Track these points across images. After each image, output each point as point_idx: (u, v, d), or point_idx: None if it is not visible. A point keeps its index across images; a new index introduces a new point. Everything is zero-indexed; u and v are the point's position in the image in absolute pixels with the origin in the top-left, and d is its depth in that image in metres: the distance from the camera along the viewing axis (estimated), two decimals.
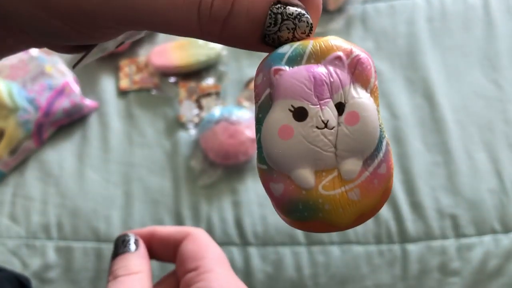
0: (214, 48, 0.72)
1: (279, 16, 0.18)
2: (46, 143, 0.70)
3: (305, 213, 0.17)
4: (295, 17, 0.19)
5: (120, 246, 0.28)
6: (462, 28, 0.73)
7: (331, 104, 0.18)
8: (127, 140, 0.69)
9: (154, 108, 0.71)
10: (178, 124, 0.69)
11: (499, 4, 0.74)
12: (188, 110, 0.70)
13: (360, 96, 0.18)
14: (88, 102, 0.70)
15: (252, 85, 0.72)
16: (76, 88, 0.70)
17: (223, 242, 0.62)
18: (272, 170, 0.17)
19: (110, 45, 0.25)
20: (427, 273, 0.59)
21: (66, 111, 0.68)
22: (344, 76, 0.18)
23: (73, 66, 0.25)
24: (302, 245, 0.61)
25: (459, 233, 0.60)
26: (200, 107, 0.70)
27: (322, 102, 0.17)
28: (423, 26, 0.73)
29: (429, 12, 0.74)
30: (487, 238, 0.60)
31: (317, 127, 0.17)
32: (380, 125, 0.18)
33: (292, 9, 0.18)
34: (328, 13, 0.75)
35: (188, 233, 0.28)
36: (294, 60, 0.18)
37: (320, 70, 0.18)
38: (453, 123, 0.66)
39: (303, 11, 0.19)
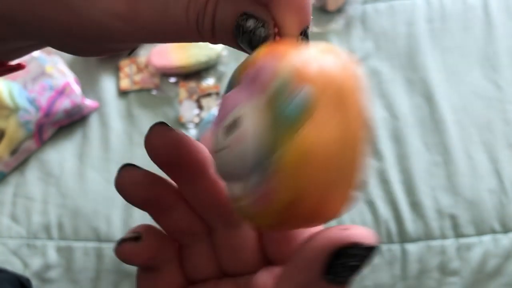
0: (214, 49, 0.72)
1: (241, 28, 0.19)
2: (47, 143, 0.70)
3: (244, 217, 0.17)
4: (251, 30, 0.19)
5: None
6: (461, 29, 0.73)
7: (223, 125, 0.17)
8: (127, 140, 0.69)
9: (155, 108, 0.71)
10: (178, 124, 0.70)
11: (498, 5, 0.74)
12: (188, 110, 0.70)
13: (241, 112, 0.16)
14: (89, 102, 0.71)
15: None
16: (76, 88, 0.70)
17: None
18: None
19: None
20: (426, 272, 0.59)
21: (67, 111, 0.68)
22: (242, 94, 0.17)
23: (129, 54, 0.28)
24: None
25: (458, 233, 0.61)
26: (200, 107, 0.71)
27: (220, 124, 0.17)
28: (422, 27, 0.73)
29: (429, 12, 0.74)
30: (487, 238, 0.60)
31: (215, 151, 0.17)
32: (267, 144, 0.15)
33: (250, 21, 0.19)
34: (328, 13, 0.75)
35: None
36: (231, 86, 0.19)
37: (230, 92, 0.18)
38: (452, 123, 0.66)
39: (259, 24, 0.19)
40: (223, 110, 0.17)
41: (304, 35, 0.20)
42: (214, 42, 0.20)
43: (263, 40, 0.19)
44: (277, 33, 0.19)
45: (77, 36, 0.20)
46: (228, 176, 0.17)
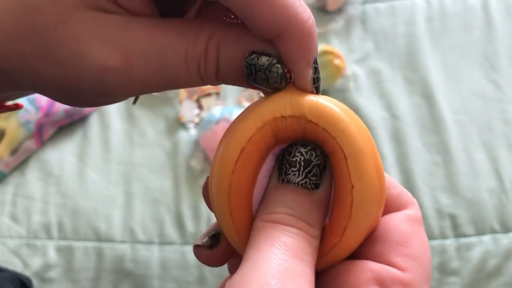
0: None
1: (253, 67, 0.19)
2: (47, 143, 0.70)
3: None
4: (266, 67, 0.19)
5: (299, 170, 0.20)
6: (461, 29, 0.73)
7: None
8: (127, 140, 0.69)
9: (155, 108, 0.71)
10: (179, 124, 0.70)
11: (498, 5, 0.74)
12: (188, 110, 0.70)
13: None
14: None
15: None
16: None
17: None
18: None
19: None
20: None
21: (67, 111, 0.68)
22: None
23: (133, 103, 0.27)
24: None
25: (458, 233, 0.61)
26: (200, 107, 0.71)
27: None
28: (422, 27, 0.73)
29: (429, 12, 0.74)
30: (487, 238, 0.60)
31: None
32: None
33: (263, 59, 0.19)
34: (328, 13, 0.75)
35: None
36: None
37: None
38: (452, 123, 0.66)
39: (274, 60, 0.19)
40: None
41: (315, 65, 0.20)
42: (217, 83, 0.20)
43: (281, 77, 0.19)
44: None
45: (70, 91, 0.20)
46: None
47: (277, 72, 0.19)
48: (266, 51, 0.19)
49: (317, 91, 0.20)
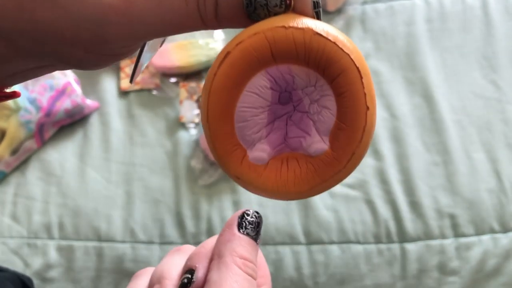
0: (214, 49, 0.72)
1: None
2: (48, 143, 0.70)
3: None
4: None
5: (240, 222, 0.27)
6: (460, 29, 0.73)
7: None
8: (128, 140, 0.70)
9: (155, 108, 0.71)
10: (179, 124, 0.70)
11: (497, 5, 0.74)
12: (188, 110, 0.70)
13: None
14: (89, 102, 0.71)
15: None
16: (77, 88, 0.70)
17: None
18: None
19: (153, 50, 0.27)
20: (426, 272, 0.59)
21: (68, 111, 0.69)
22: None
23: (130, 81, 0.27)
24: (302, 244, 0.61)
25: (458, 233, 0.61)
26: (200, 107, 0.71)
27: None
28: (422, 27, 0.73)
29: (428, 12, 0.74)
30: (486, 238, 0.60)
31: None
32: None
33: None
34: (328, 13, 0.75)
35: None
36: None
37: None
38: (452, 123, 0.66)
39: None
40: None
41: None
42: (217, 25, 0.20)
43: (281, 1, 0.19)
44: None
45: (71, 40, 0.19)
46: None
47: None
48: None
49: (317, 16, 0.20)
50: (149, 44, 0.25)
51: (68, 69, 0.23)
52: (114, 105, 0.72)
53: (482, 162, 0.64)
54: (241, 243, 0.24)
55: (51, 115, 0.68)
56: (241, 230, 0.25)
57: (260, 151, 0.21)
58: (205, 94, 0.20)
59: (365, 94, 0.19)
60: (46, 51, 0.20)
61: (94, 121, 0.71)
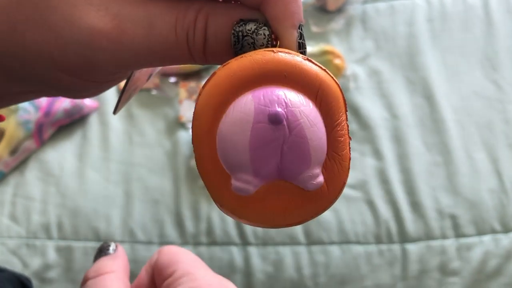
0: None
1: (240, 33, 0.20)
2: (47, 143, 0.70)
3: None
4: (253, 32, 0.20)
5: (98, 253, 0.28)
6: (461, 28, 0.73)
7: None
8: (127, 140, 0.69)
9: (155, 108, 0.71)
10: (178, 124, 0.70)
11: (498, 5, 0.74)
12: (188, 110, 0.70)
13: None
14: (88, 102, 0.71)
15: None
16: None
17: (223, 242, 0.62)
18: None
19: (140, 84, 0.27)
20: (427, 273, 0.59)
21: (67, 111, 0.68)
22: None
23: (114, 113, 0.27)
24: (302, 244, 0.61)
25: (459, 233, 0.61)
26: None
27: None
28: (423, 26, 0.73)
29: (429, 12, 0.74)
30: (487, 238, 0.60)
31: None
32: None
33: (250, 24, 0.20)
34: (328, 13, 0.75)
35: (157, 251, 0.28)
36: None
37: None
38: (453, 123, 0.66)
39: (261, 24, 0.20)
40: None
41: (300, 31, 0.20)
42: (204, 59, 0.20)
43: (268, 39, 0.20)
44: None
45: (60, 64, 0.19)
46: None
47: (263, 34, 0.20)
48: (253, 17, 0.20)
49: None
50: (135, 75, 0.25)
51: (56, 95, 0.23)
52: (113, 105, 0.72)
53: (483, 162, 0.64)
54: None
55: (50, 115, 0.68)
56: None
57: (244, 182, 0.19)
58: (193, 115, 0.20)
59: (347, 126, 0.19)
60: (34, 75, 0.20)
61: (93, 121, 0.71)
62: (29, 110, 0.67)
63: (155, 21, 0.19)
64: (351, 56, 0.72)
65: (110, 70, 0.20)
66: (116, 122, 0.71)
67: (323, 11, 0.75)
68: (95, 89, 0.22)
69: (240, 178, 0.19)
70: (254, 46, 0.20)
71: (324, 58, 0.67)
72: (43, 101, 0.68)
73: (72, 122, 0.71)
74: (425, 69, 0.70)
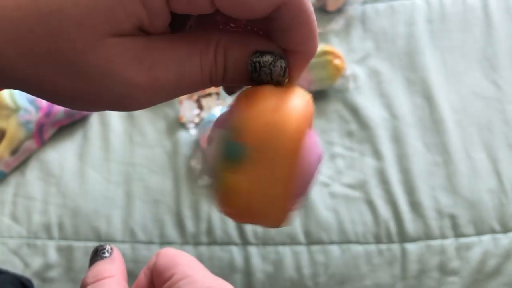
0: None
1: (257, 64, 0.21)
2: (47, 143, 0.70)
3: None
4: (270, 63, 0.21)
5: (93, 256, 0.28)
6: (461, 29, 0.73)
7: (209, 134, 0.23)
8: (127, 140, 0.69)
9: (155, 108, 0.71)
10: (179, 124, 0.70)
11: (498, 5, 0.74)
12: (188, 110, 0.70)
13: (213, 133, 0.23)
14: None
15: None
16: None
17: (224, 242, 0.62)
18: None
19: None
20: (426, 272, 0.59)
21: (67, 111, 0.68)
22: (225, 117, 0.22)
23: None
24: (302, 244, 0.61)
25: (458, 233, 0.61)
26: (200, 107, 0.71)
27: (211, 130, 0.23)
28: (422, 27, 0.73)
29: (429, 12, 0.74)
30: (486, 238, 0.60)
31: None
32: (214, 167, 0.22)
33: (267, 56, 0.21)
34: (328, 13, 0.75)
35: (156, 254, 0.29)
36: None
37: (227, 109, 0.23)
38: (452, 124, 0.66)
39: (277, 57, 0.21)
40: (218, 121, 0.22)
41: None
42: (221, 84, 0.22)
43: (285, 71, 0.21)
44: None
45: (90, 103, 0.21)
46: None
47: (280, 66, 0.21)
48: (269, 49, 0.21)
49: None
50: None
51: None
52: None
53: (483, 162, 0.64)
54: None
55: (51, 115, 0.68)
56: None
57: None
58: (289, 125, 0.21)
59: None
60: (56, 101, 0.22)
61: (93, 121, 0.71)
62: (30, 111, 0.67)
63: (184, 65, 0.20)
64: (351, 57, 0.72)
65: (140, 108, 0.22)
66: (116, 122, 0.71)
67: (323, 12, 0.75)
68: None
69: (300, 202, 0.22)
70: (271, 77, 0.21)
71: (324, 58, 0.68)
72: (44, 101, 0.68)
73: (72, 122, 0.71)
74: (424, 70, 0.70)
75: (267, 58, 0.21)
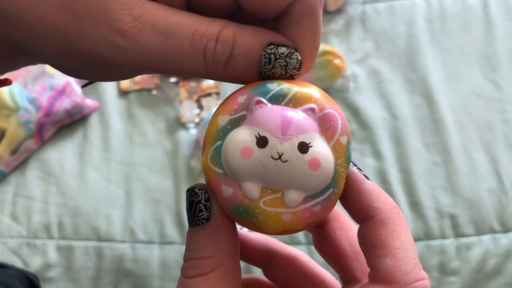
0: None
1: (272, 56, 0.20)
2: (47, 143, 0.70)
3: (243, 215, 0.21)
4: (286, 55, 0.21)
5: (190, 213, 0.21)
6: (461, 29, 0.73)
7: (293, 141, 0.20)
8: (128, 140, 0.69)
9: (155, 108, 0.71)
10: (179, 124, 0.70)
11: (498, 5, 0.74)
12: (188, 110, 0.70)
13: (322, 147, 0.21)
14: (89, 102, 0.71)
15: None
16: (77, 88, 0.70)
17: None
18: (226, 175, 0.21)
19: None
20: (426, 272, 0.59)
21: (67, 111, 0.68)
22: (312, 124, 0.21)
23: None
24: (302, 244, 0.61)
25: (458, 233, 0.61)
26: (200, 107, 0.71)
27: (283, 137, 0.20)
28: (422, 27, 0.73)
29: (428, 12, 0.74)
30: (486, 238, 0.60)
31: (271, 157, 0.20)
32: (334, 176, 0.21)
33: (283, 48, 0.21)
34: (328, 13, 0.75)
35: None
36: (276, 99, 0.21)
37: (293, 113, 0.21)
38: (452, 123, 0.66)
39: (293, 50, 0.21)
40: (286, 123, 0.20)
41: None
42: (220, 74, 0.21)
43: (300, 64, 0.21)
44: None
45: (72, 47, 0.20)
46: (285, 183, 0.20)
47: (297, 59, 0.21)
48: (284, 42, 0.21)
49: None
50: None
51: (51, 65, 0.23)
52: (114, 105, 0.72)
53: (483, 162, 0.64)
54: None
55: (51, 115, 0.68)
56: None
57: None
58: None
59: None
60: (38, 43, 0.20)
61: (93, 121, 0.71)
62: (30, 110, 0.67)
63: (173, 29, 0.19)
64: (350, 57, 0.72)
65: (119, 68, 0.21)
66: (116, 122, 0.71)
67: (323, 12, 0.75)
68: (97, 78, 0.23)
69: None
70: (286, 69, 0.21)
71: (324, 58, 0.68)
72: (44, 101, 0.68)
73: (72, 122, 0.71)
74: (424, 69, 0.70)
75: (283, 50, 0.21)
